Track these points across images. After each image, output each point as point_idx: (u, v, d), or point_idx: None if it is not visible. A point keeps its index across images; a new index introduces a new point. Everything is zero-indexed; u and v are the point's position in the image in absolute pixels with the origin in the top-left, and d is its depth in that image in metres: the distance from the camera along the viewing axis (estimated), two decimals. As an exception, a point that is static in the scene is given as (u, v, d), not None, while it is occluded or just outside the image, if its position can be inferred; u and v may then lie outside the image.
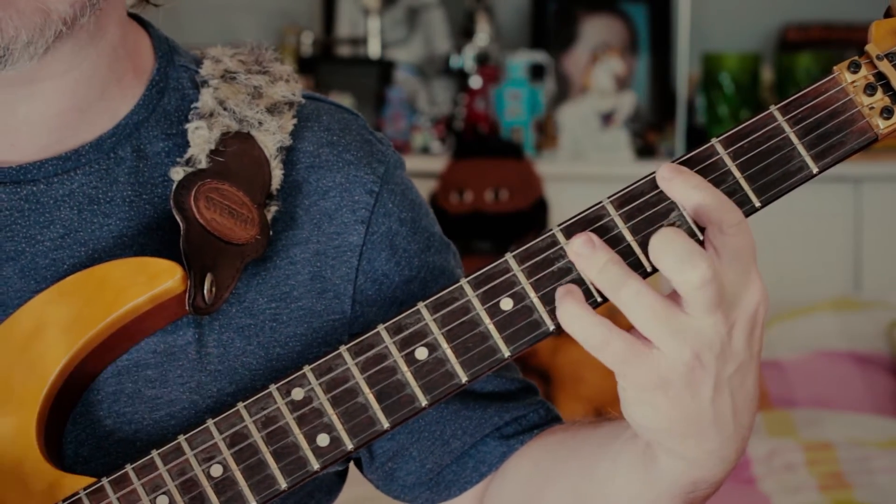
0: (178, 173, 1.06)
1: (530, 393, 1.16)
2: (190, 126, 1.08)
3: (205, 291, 1.02)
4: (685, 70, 3.72)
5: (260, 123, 1.09)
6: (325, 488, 1.16)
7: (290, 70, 1.14)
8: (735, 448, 0.95)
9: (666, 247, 0.90)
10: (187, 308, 1.01)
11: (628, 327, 0.93)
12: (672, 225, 0.95)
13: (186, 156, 1.07)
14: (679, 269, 0.89)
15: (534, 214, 3.42)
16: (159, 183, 1.08)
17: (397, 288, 1.12)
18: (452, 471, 1.14)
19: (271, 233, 1.07)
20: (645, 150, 3.71)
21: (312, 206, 1.10)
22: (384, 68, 3.78)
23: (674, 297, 0.91)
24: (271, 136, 1.09)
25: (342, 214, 1.11)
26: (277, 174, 1.08)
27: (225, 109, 1.09)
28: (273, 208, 1.08)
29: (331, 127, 1.14)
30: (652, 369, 0.91)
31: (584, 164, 3.64)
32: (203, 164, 1.06)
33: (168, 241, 1.05)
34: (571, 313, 0.91)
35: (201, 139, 1.07)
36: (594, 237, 0.92)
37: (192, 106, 1.10)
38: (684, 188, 0.92)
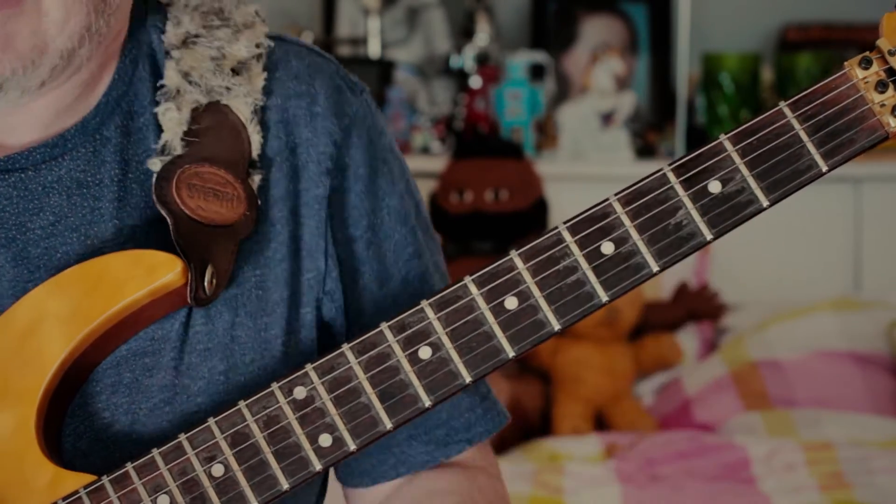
0: (155, 164, 1.04)
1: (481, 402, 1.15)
2: (159, 109, 1.06)
3: (206, 283, 1.01)
4: (685, 70, 3.71)
5: (228, 90, 1.07)
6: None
7: (252, 11, 1.11)
8: None
9: None
10: (189, 301, 1.01)
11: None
12: (679, 223, 0.94)
13: (161, 143, 1.05)
14: None
15: (534, 214, 3.41)
16: (144, 160, 1.06)
17: (339, 244, 1.10)
18: (371, 461, 1.13)
19: (259, 202, 1.05)
20: (645, 150, 3.71)
21: (284, 162, 1.08)
22: (384, 68, 3.77)
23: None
24: (243, 100, 1.07)
25: (309, 168, 1.09)
26: (256, 139, 1.06)
27: (190, 83, 1.06)
28: (257, 178, 1.06)
29: (300, 74, 1.11)
30: None
31: (584, 164, 3.63)
32: (179, 150, 1.04)
33: (158, 220, 1.04)
34: None
35: (172, 122, 1.05)
36: None
37: (159, 84, 1.08)
38: None
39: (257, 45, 1.09)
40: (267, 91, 1.09)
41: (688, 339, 3.38)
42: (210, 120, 1.05)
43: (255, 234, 1.06)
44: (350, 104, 1.12)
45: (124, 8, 1.06)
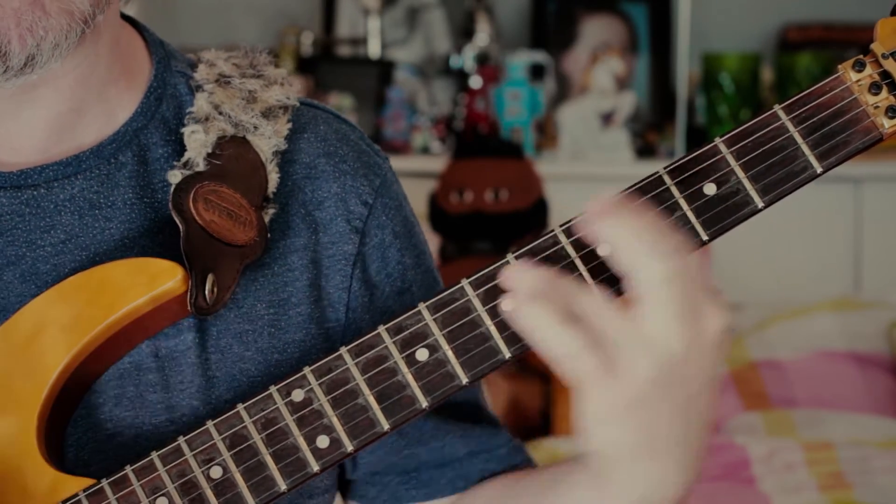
0: (175, 176, 1.06)
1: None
2: (186, 130, 1.08)
3: (206, 292, 1.02)
4: (685, 70, 3.72)
5: (255, 128, 1.09)
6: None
7: (284, 73, 1.14)
8: (685, 477, 0.94)
9: (630, 235, 0.88)
10: (189, 308, 1.01)
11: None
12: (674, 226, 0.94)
13: (184, 159, 1.07)
14: (647, 259, 0.87)
15: (534, 214, 3.42)
16: (160, 188, 1.08)
17: (388, 298, 1.12)
18: (430, 474, 1.14)
19: (269, 236, 1.07)
20: (645, 150, 3.71)
21: (308, 215, 1.11)
22: (384, 68, 3.77)
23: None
24: (266, 141, 1.09)
25: (337, 224, 1.11)
26: (273, 177, 1.08)
27: (220, 114, 1.09)
28: (270, 211, 1.08)
29: (327, 137, 1.14)
30: (616, 389, 0.88)
31: (584, 164, 3.64)
32: (201, 167, 1.06)
33: (170, 244, 1.05)
34: (546, 321, 0.88)
35: (197, 142, 1.07)
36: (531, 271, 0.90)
37: (188, 111, 1.10)
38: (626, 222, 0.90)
39: (287, 98, 1.12)
40: (293, 145, 1.11)
41: (688, 339, 3.38)
42: (233, 150, 1.08)
43: (273, 276, 1.08)
44: (379, 167, 1.15)
45: (114, 15, 1.08)
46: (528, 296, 0.88)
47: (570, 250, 0.95)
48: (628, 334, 0.88)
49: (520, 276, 0.89)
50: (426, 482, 1.14)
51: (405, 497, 1.14)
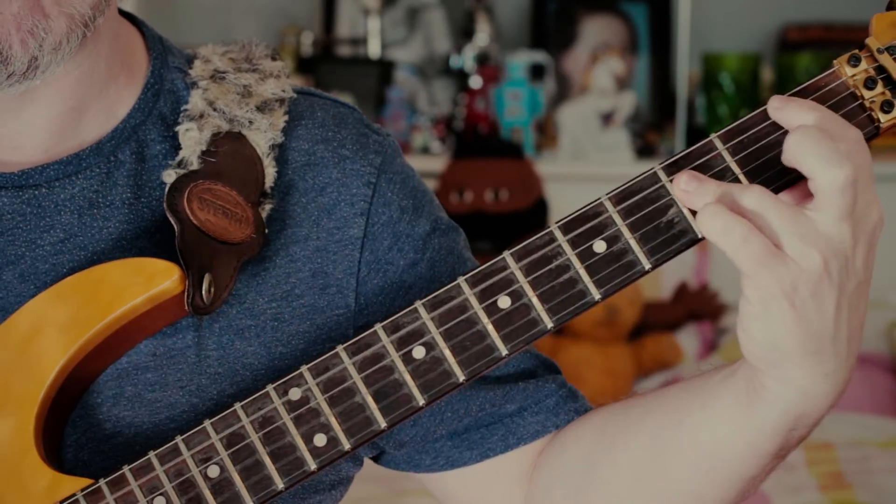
0: (170, 176, 1.06)
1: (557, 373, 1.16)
2: (180, 128, 1.08)
3: (203, 292, 1.01)
4: (685, 70, 3.72)
5: (250, 122, 1.09)
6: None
7: (281, 65, 1.14)
8: (843, 377, 0.93)
9: (809, 146, 0.89)
10: (186, 308, 1.01)
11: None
12: (671, 221, 0.94)
13: (178, 158, 1.07)
14: (824, 167, 0.88)
15: (534, 214, 3.42)
16: (157, 186, 1.08)
17: (403, 272, 1.11)
18: (480, 433, 1.12)
19: (267, 231, 1.06)
20: (645, 150, 3.71)
21: (310, 203, 1.10)
22: (384, 68, 3.77)
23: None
24: (262, 135, 1.08)
25: (341, 209, 1.10)
26: (270, 172, 1.08)
27: (215, 110, 1.08)
28: (267, 206, 1.07)
29: (325, 123, 1.13)
30: (784, 274, 0.89)
31: (584, 164, 3.64)
32: (195, 166, 1.06)
33: (167, 243, 1.05)
34: (712, 211, 0.89)
35: (192, 141, 1.07)
36: (695, 173, 0.92)
37: (183, 108, 1.10)
38: (799, 113, 0.91)
39: (283, 90, 1.12)
40: (290, 134, 1.11)
41: (688, 339, 3.38)
42: (228, 146, 1.07)
43: (274, 269, 1.08)
44: (380, 144, 1.14)
45: (112, 18, 1.08)
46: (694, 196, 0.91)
47: (567, 247, 0.95)
48: (798, 228, 0.89)
49: (688, 185, 0.92)
50: (478, 442, 1.12)
51: (460, 459, 1.12)
